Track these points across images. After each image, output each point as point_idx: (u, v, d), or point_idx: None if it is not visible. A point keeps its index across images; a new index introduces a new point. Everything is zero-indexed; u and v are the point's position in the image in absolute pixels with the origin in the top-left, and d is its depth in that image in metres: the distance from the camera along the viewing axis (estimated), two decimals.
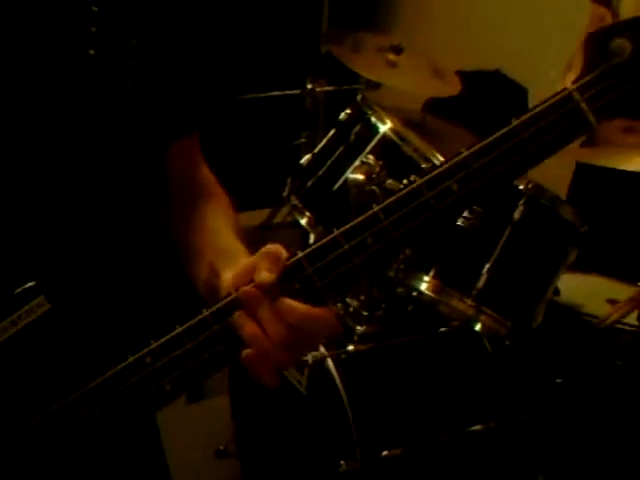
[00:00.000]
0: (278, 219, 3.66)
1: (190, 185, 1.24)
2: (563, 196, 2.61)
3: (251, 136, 4.10)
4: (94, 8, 1.05)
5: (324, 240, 0.92)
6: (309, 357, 2.20)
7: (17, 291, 0.97)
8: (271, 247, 0.94)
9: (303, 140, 3.28)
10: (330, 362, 2.19)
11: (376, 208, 0.91)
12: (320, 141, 2.51)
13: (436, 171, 0.91)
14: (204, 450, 2.88)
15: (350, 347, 2.26)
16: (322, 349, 2.21)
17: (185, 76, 1.18)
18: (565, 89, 0.90)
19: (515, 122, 0.89)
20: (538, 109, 0.90)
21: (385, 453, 2.15)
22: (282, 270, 0.92)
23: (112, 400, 0.96)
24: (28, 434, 0.98)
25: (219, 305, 0.94)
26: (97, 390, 0.96)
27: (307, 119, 3.35)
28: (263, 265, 0.92)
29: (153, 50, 1.11)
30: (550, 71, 2.66)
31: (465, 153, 0.90)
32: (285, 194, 2.44)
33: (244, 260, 1.00)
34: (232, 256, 1.07)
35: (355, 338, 2.30)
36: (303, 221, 2.31)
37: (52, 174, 1.06)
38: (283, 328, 0.91)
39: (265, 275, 0.92)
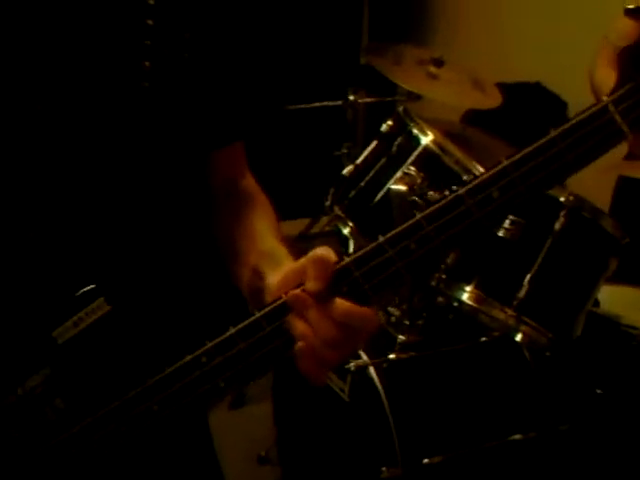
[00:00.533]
0: (316, 229, 3.69)
1: (235, 193, 1.28)
2: (606, 209, 2.62)
3: (293, 146, 4.14)
4: (149, 22, 1.09)
5: (370, 246, 0.96)
6: (352, 365, 2.24)
7: (78, 293, 1.01)
8: (321, 251, 0.98)
9: (344, 151, 3.31)
10: (372, 370, 2.22)
11: (419, 216, 0.95)
12: (360, 152, 2.55)
13: (477, 180, 0.95)
14: (246, 456, 2.92)
15: (392, 356, 2.29)
16: (364, 357, 2.25)
17: (233, 87, 1.22)
18: (600, 101, 0.94)
19: (553, 132, 0.93)
20: (575, 120, 0.94)
21: (426, 461, 2.17)
22: (331, 277, 0.96)
23: (169, 397, 1.01)
24: (90, 429, 1.02)
25: (270, 307, 0.99)
26: (155, 387, 1.01)
27: (348, 130, 3.38)
28: (312, 272, 0.97)
29: (205, 62, 1.15)
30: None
31: (505, 162, 0.94)
32: (328, 204, 2.48)
33: (291, 264, 1.04)
34: (276, 259, 1.11)
35: (397, 347, 2.33)
36: (346, 231, 2.34)
37: (111, 181, 1.10)
38: (331, 326, 0.96)
39: (315, 284, 0.96)
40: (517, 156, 0.94)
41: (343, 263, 0.97)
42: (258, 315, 0.99)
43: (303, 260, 1.00)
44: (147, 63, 1.10)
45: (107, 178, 1.10)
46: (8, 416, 1.02)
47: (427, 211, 0.95)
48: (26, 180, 1.07)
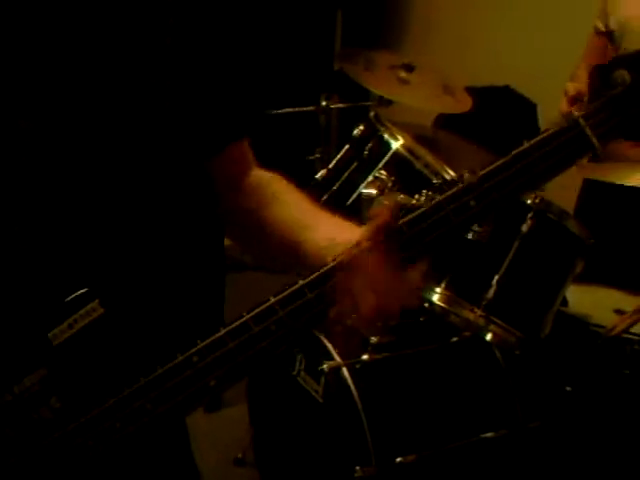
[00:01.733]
0: None
1: (253, 181, 1.32)
2: (571, 211, 2.66)
3: (267, 151, 4.15)
4: (134, 33, 1.12)
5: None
6: (325, 366, 2.27)
7: (73, 296, 1.05)
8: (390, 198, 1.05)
9: (317, 155, 3.33)
10: (345, 371, 2.25)
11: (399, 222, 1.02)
12: (333, 157, 2.59)
13: (455, 189, 1.01)
14: (222, 459, 2.94)
15: (365, 357, 2.32)
16: (337, 358, 2.28)
17: (226, 91, 1.24)
18: (571, 114, 1.00)
19: (526, 144, 1.00)
20: (547, 133, 1.00)
21: (399, 459, 2.21)
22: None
23: (162, 395, 1.05)
24: (86, 426, 1.06)
25: (258, 310, 1.04)
26: (148, 386, 1.05)
27: (320, 135, 3.40)
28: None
29: (199, 65, 1.18)
30: (559, 86, 2.72)
31: (481, 172, 1.00)
32: None
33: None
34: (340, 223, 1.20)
35: (369, 348, 2.35)
36: None
37: (107, 185, 1.12)
38: (372, 295, 1.02)
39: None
40: (492, 166, 1.00)
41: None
42: (247, 317, 1.04)
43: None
44: (154, 68, 1.13)
45: (103, 182, 1.12)
46: (4, 415, 1.06)
47: (407, 217, 1.02)
48: (25, 184, 1.09)
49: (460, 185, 1.01)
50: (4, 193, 1.09)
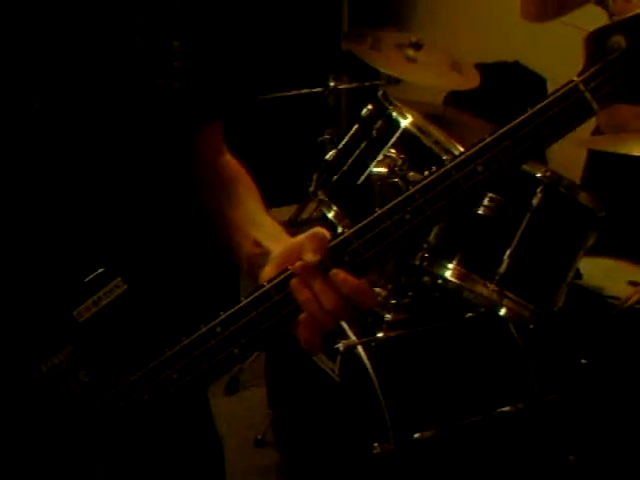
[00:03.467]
0: (305, 215, 3.72)
1: (220, 171, 1.35)
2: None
3: (276, 134, 4.16)
4: (138, 20, 1.15)
5: (369, 219, 1.06)
6: (341, 345, 2.28)
7: (92, 276, 1.09)
8: (317, 230, 1.08)
9: (326, 136, 3.33)
10: (361, 349, 2.27)
11: (412, 190, 1.05)
12: (343, 137, 2.59)
13: (463, 156, 1.05)
14: (243, 440, 2.96)
15: (380, 334, 2.34)
16: (353, 337, 2.30)
17: (212, 69, 1.26)
18: (571, 81, 1.04)
19: (530, 111, 1.04)
20: (549, 99, 1.05)
21: (417, 435, 2.23)
22: (327, 249, 1.06)
23: (188, 365, 1.09)
24: (114, 399, 1.10)
25: (278, 279, 1.08)
26: (174, 357, 1.09)
27: (330, 116, 3.41)
28: (310, 246, 1.07)
29: (191, 50, 1.20)
30: (568, 61, 2.70)
31: (488, 139, 1.04)
32: (312, 189, 2.52)
33: (293, 239, 1.13)
34: (276, 233, 1.23)
35: (384, 326, 2.38)
36: (330, 214, 2.39)
37: (119, 166, 1.16)
38: (335, 297, 1.06)
39: (313, 256, 1.06)
40: (498, 132, 1.04)
41: (343, 235, 1.07)
42: (268, 286, 1.08)
43: (302, 236, 1.09)
44: (140, 77, 1.16)
45: (115, 164, 1.16)
46: (33, 391, 1.10)
47: (419, 185, 1.05)
48: (42, 164, 1.13)
49: (468, 152, 1.05)
50: (23, 173, 1.12)
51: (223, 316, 1.08)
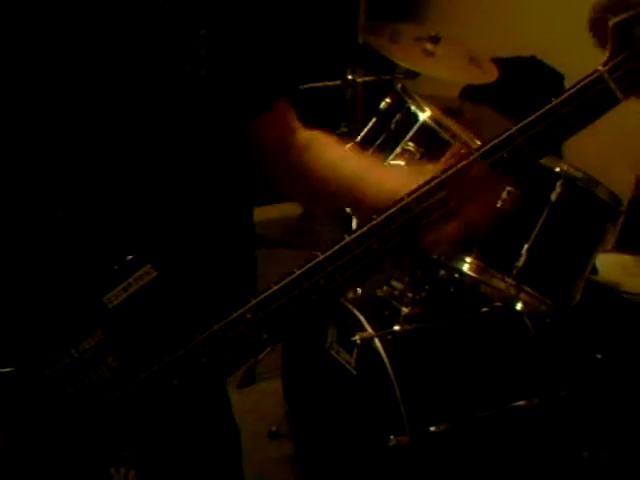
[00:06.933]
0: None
1: (297, 141, 1.35)
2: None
3: None
4: (166, 7, 1.15)
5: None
6: (357, 338, 2.29)
7: (122, 263, 1.10)
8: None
9: (344, 130, 3.33)
10: (377, 342, 2.28)
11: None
12: (360, 130, 2.59)
13: (491, 143, 1.08)
14: (257, 432, 2.96)
15: (396, 327, 2.34)
16: (369, 329, 2.30)
17: (251, 59, 1.27)
18: (596, 70, 1.06)
19: (555, 101, 1.06)
20: (574, 89, 1.07)
21: (432, 428, 2.23)
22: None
23: (217, 350, 1.11)
24: (145, 384, 1.12)
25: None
26: (204, 342, 1.11)
27: (347, 109, 3.40)
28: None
29: (220, 39, 1.20)
30: (586, 57, 2.69)
31: (512, 129, 1.06)
32: None
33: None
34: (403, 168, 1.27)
35: (401, 319, 2.38)
36: (348, 208, 2.38)
37: (157, 153, 1.17)
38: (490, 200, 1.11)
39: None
40: (524, 122, 1.06)
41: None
42: (297, 273, 1.10)
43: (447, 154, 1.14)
44: (202, 51, 1.17)
45: (143, 152, 1.17)
46: (64, 376, 1.11)
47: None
48: (72, 155, 1.14)
49: (494, 141, 1.07)
50: (52, 162, 1.13)
51: (253, 302, 1.10)
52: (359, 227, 1.11)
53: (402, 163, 2.20)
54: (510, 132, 1.06)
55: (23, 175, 1.14)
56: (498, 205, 1.17)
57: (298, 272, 1.10)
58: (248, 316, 1.10)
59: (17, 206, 1.15)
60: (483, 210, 1.11)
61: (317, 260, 1.09)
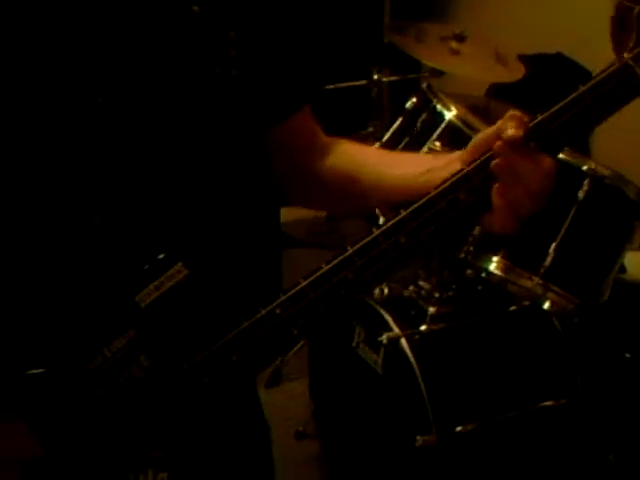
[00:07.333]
0: None
1: (327, 146, 1.33)
2: None
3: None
4: (195, 8, 1.16)
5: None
6: (384, 338, 2.29)
7: (153, 262, 1.11)
8: (513, 112, 1.07)
9: (370, 129, 3.33)
10: (404, 342, 2.28)
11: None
12: (386, 130, 2.59)
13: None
14: (284, 432, 2.96)
15: (423, 327, 2.34)
16: (396, 329, 2.30)
17: (280, 59, 1.27)
18: (622, 57, 1.03)
19: (582, 88, 1.04)
20: (600, 77, 1.04)
21: (459, 428, 2.23)
22: (528, 128, 1.05)
23: (247, 347, 1.11)
24: (176, 381, 1.12)
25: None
26: (235, 339, 1.11)
27: (373, 109, 3.40)
28: (510, 124, 1.05)
29: (250, 39, 1.20)
30: (612, 52, 2.67)
31: (540, 117, 1.04)
32: None
33: (488, 129, 1.11)
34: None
35: (427, 319, 2.38)
36: None
37: (188, 155, 1.18)
38: (539, 176, 1.07)
39: (513, 131, 1.05)
40: (551, 110, 1.04)
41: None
42: (326, 268, 1.09)
43: (499, 122, 1.08)
44: (233, 52, 1.17)
45: (175, 154, 1.17)
46: (96, 376, 1.12)
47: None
48: (107, 158, 1.14)
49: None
50: (88, 165, 1.14)
51: (282, 298, 1.10)
52: (386, 221, 1.10)
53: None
54: (537, 120, 1.04)
55: (60, 183, 1.14)
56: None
57: (327, 267, 1.09)
58: (277, 312, 1.10)
59: (53, 212, 1.15)
60: (528, 190, 1.09)
61: (346, 255, 1.09)
